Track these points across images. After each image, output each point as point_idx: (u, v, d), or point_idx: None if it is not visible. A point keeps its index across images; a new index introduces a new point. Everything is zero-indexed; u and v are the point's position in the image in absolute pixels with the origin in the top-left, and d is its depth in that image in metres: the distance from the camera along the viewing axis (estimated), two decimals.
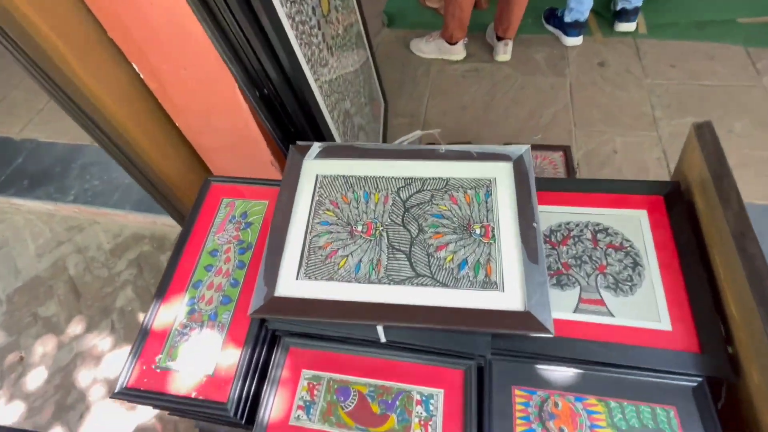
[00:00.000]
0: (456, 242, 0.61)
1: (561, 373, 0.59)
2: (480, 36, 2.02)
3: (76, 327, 1.51)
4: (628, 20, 1.93)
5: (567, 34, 1.93)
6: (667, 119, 1.65)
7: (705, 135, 0.66)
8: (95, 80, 0.89)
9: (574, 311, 0.64)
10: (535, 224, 0.60)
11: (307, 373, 0.59)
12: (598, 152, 1.59)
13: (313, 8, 0.91)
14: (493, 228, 0.61)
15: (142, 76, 0.97)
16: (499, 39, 1.88)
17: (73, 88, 0.85)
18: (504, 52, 1.89)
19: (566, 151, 1.26)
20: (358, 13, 1.38)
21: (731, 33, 1.90)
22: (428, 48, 1.92)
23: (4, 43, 0.74)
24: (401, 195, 0.66)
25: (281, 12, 0.72)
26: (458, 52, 1.92)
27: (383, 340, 0.57)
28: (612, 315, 0.63)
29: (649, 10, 2.00)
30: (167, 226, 1.68)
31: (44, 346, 1.48)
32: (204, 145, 1.20)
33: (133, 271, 1.63)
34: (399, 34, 2.14)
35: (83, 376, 1.40)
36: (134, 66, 0.95)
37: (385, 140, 1.63)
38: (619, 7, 1.91)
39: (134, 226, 1.75)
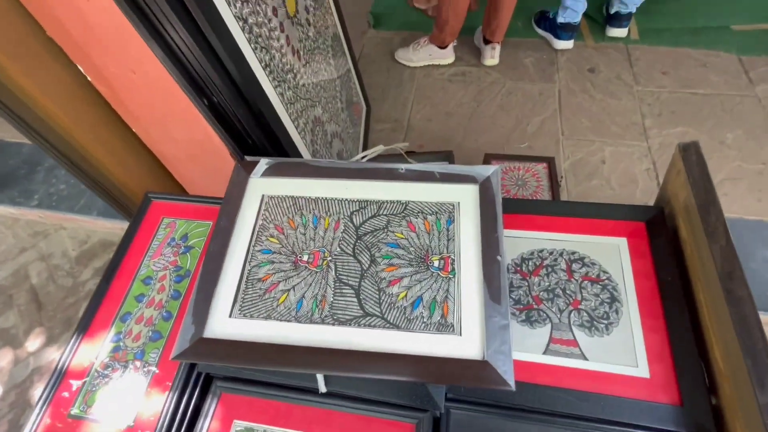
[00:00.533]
0: (411, 276, 0.54)
1: (526, 426, 0.53)
2: (468, 39, 1.96)
3: (35, 340, 1.43)
4: (621, 25, 1.88)
5: (558, 36, 1.87)
6: (658, 129, 1.60)
7: (691, 157, 0.60)
8: (32, 82, 0.81)
9: (544, 352, 0.58)
10: (499, 257, 0.53)
11: (239, 424, 0.52)
12: (586, 162, 1.53)
13: (275, 8, 0.84)
14: (453, 260, 0.55)
15: (89, 78, 0.90)
16: (486, 42, 1.82)
17: (5, 90, 0.77)
18: (491, 56, 1.83)
19: (550, 163, 1.20)
20: (335, 14, 1.31)
21: (725, 40, 1.85)
22: (418, 56, 1.85)
23: None
24: (354, 220, 0.59)
25: (227, 12, 0.64)
26: (448, 55, 1.86)
27: (323, 390, 0.50)
28: (585, 358, 0.56)
29: (642, 15, 1.95)
30: None
31: (0, 361, 1.40)
32: (166, 155, 1.13)
33: (98, 280, 1.55)
34: (385, 36, 2.07)
35: (40, 394, 1.32)
36: (79, 68, 0.87)
37: (365, 146, 1.56)
38: (613, 11, 1.85)
39: (102, 232, 1.67)
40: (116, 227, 1.63)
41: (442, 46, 1.82)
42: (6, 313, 1.50)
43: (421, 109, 1.75)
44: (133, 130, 1.05)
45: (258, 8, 0.76)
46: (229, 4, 0.66)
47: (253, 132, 0.79)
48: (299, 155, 0.94)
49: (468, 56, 1.92)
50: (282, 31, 0.88)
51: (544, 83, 1.79)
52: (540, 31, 1.95)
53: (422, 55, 1.86)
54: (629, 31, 1.92)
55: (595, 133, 1.61)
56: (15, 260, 1.63)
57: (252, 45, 0.73)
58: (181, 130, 0.96)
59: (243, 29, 0.70)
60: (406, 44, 1.93)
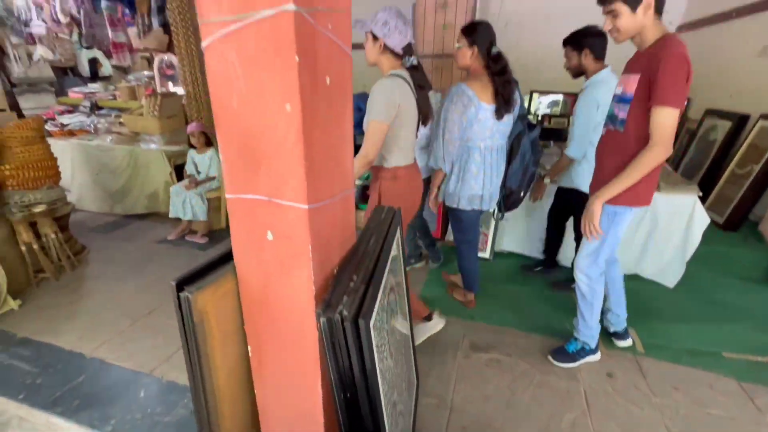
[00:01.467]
0: None
1: None
2: (501, 329, 2.42)
3: None
4: (622, 338, 2.30)
5: None
6: None
7: None
8: (222, 357, 1.20)
9: None
10: None
11: None
12: None
13: (387, 330, 1.29)
14: None
15: (250, 355, 1.29)
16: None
17: (207, 361, 1.15)
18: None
19: None
20: (408, 315, 1.81)
21: (721, 365, 2.17)
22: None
23: (187, 326, 1.09)
24: None
25: (375, 348, 1.06)
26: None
27: None
28: None
29: (645, 331, 2.39)
30: None
31: None
32: (267, 410, 1.39)
33: None
34: None
35: None
36: (249, 348, 1.28)
37: (414, 420, 1.75)
38: (611, 330, 2.32)
39: None
40: None
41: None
42: None
43: (462, 390, 2.01)
44: (254, 385, 1.36)
45: (383, 337, 1.20)
46: (374, 338, 1.09)
47: (366, 419, 1.08)
48: None
49: (501, 346, 2.32)
50: (388, 342, 1.30)
51: (570, 381, 2.07)
52: None
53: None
54: (634, 343, 2.32)
55: None
56: None
57: (378, 356, 1.12)
58: (293, 399, 1.26)
59: (376, 351, 1.11)
60: None
